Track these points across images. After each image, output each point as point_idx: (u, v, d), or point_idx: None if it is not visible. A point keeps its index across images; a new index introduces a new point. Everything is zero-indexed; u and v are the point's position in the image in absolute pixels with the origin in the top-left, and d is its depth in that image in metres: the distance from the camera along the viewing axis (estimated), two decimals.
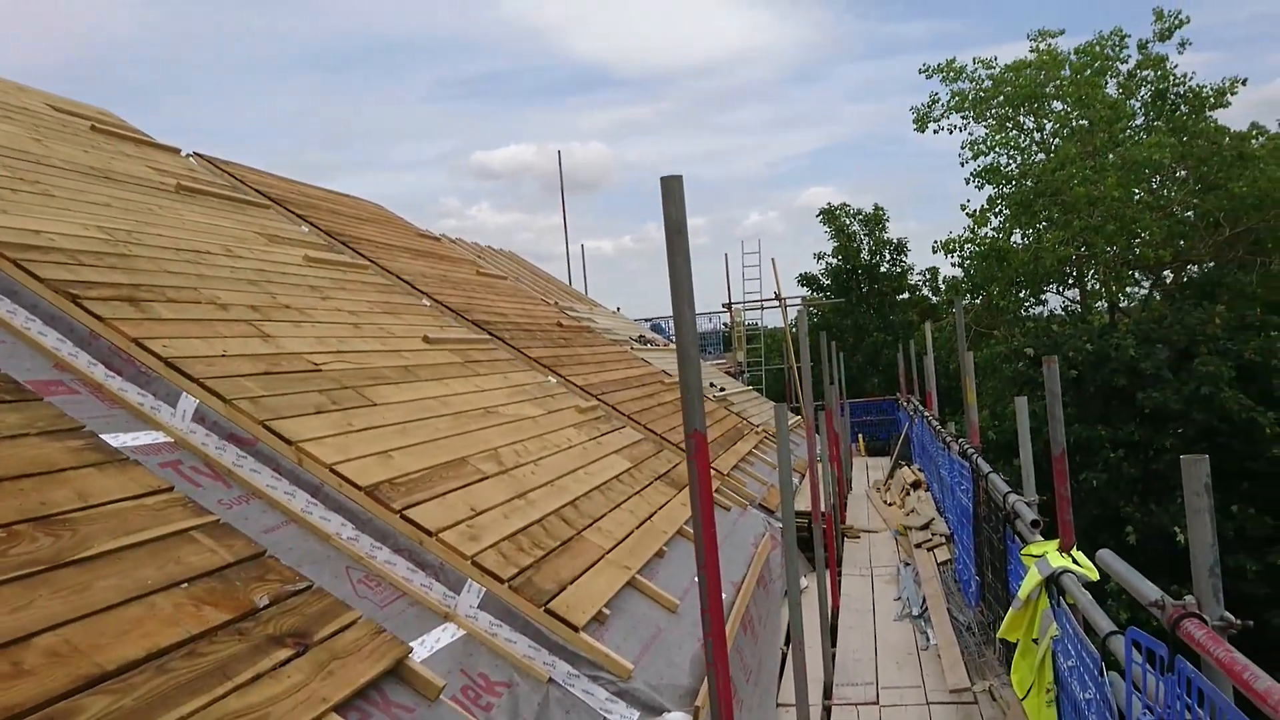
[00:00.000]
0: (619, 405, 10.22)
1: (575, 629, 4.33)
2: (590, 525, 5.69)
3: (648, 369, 14.12)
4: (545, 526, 5.26)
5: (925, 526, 9.76)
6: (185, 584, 2.77)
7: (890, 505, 12.39)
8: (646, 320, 24.30)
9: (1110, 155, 18.92)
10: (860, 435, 22.32)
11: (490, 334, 10.33)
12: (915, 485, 12.54)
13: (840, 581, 8.80)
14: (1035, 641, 3.92)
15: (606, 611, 4.72)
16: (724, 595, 6.09)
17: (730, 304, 23.81)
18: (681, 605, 5.45)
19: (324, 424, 4.93)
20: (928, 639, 6.78)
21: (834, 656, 6.74)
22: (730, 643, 5.62)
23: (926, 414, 12.85)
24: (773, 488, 10.93)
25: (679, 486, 7.74)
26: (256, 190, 10.74)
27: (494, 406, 7.01)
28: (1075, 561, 3.87)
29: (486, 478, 5.45)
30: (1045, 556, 3.91)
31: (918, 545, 9.34)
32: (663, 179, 2.65)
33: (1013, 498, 5.09)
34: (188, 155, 11.02)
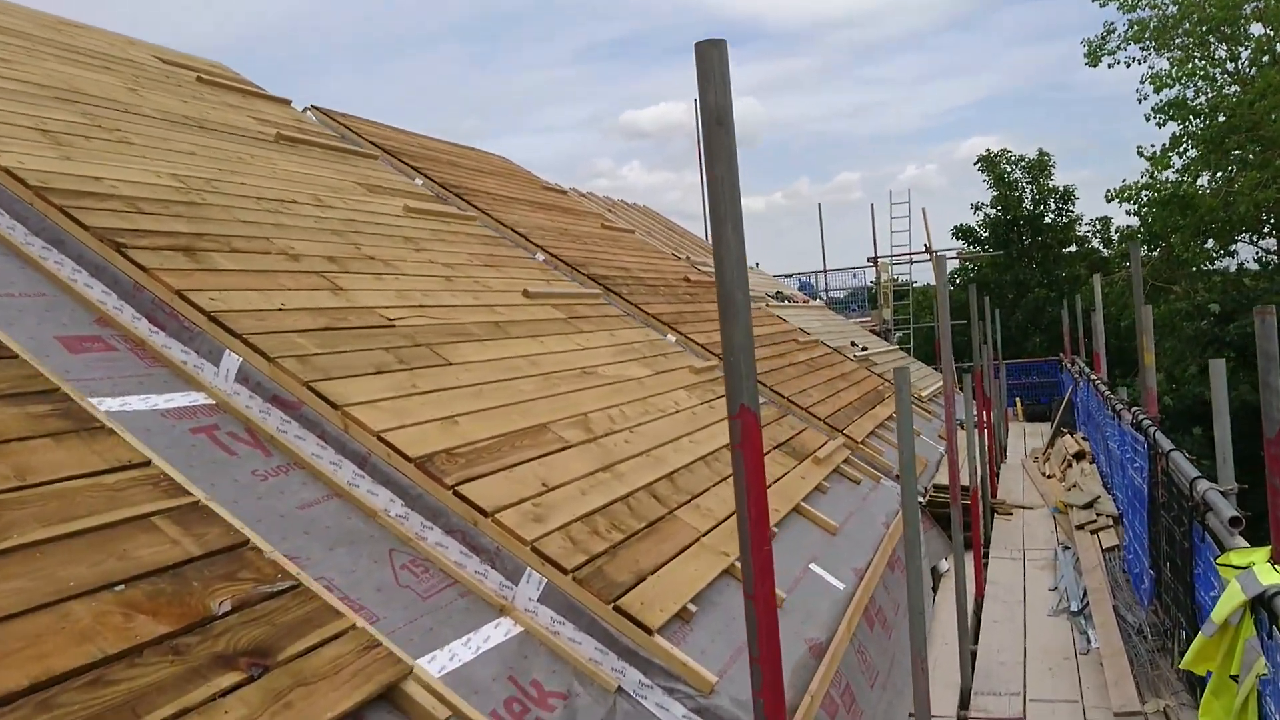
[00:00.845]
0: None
1: (649, 631, 3.67)
2: (687, 503, 5.01)
3: (781, 326, 13.27)
4: (631, 504, 4.61)
5: (1089, 505, 8.61)
6: (122, 586, 2.25)
7: (1049, 478, 11.17)
8: (788, 276, 23.28)
9: None
10: (1018, 399, 20.73)
11: (606, 288, 9.75)
12: (1079, 456, 11.25)
13: (986, 566, 7.84)
14: (1234, 679, 3.01)
15: (692, 608, 4.04)
16: (840, 585, 5.32)
17: (876, 258, 22.42)
18: (788, 600, 4.72)
19: (383, 385, 4.41)
20: (1089, 641, 5.80)
21: (974, 657, 5.86)
22: (846, 640, 4.85)
23: (1094, 377, 11.50)
24: (919, 457, 9.96)
25: (801, 456, 6.96)
26: (370, 142, 10.45)
27: (594, 366, 6.40)
28: None
29: (569, 447, 4.84)
30: (1251, 569, 2.98)
31: (1079, 526, 8.23)
32: (698, 46, 1.91)
33: (1204, 485, 4.10)
34: (305, 109, 10.85)
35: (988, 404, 11.37)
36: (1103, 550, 7.49)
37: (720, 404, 7.17)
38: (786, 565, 5.11)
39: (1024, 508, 9.83)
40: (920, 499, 8.88)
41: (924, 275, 26.66)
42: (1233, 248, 21.07)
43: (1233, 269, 22.98)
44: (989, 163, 28.88)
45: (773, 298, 16.34)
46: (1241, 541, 3.46)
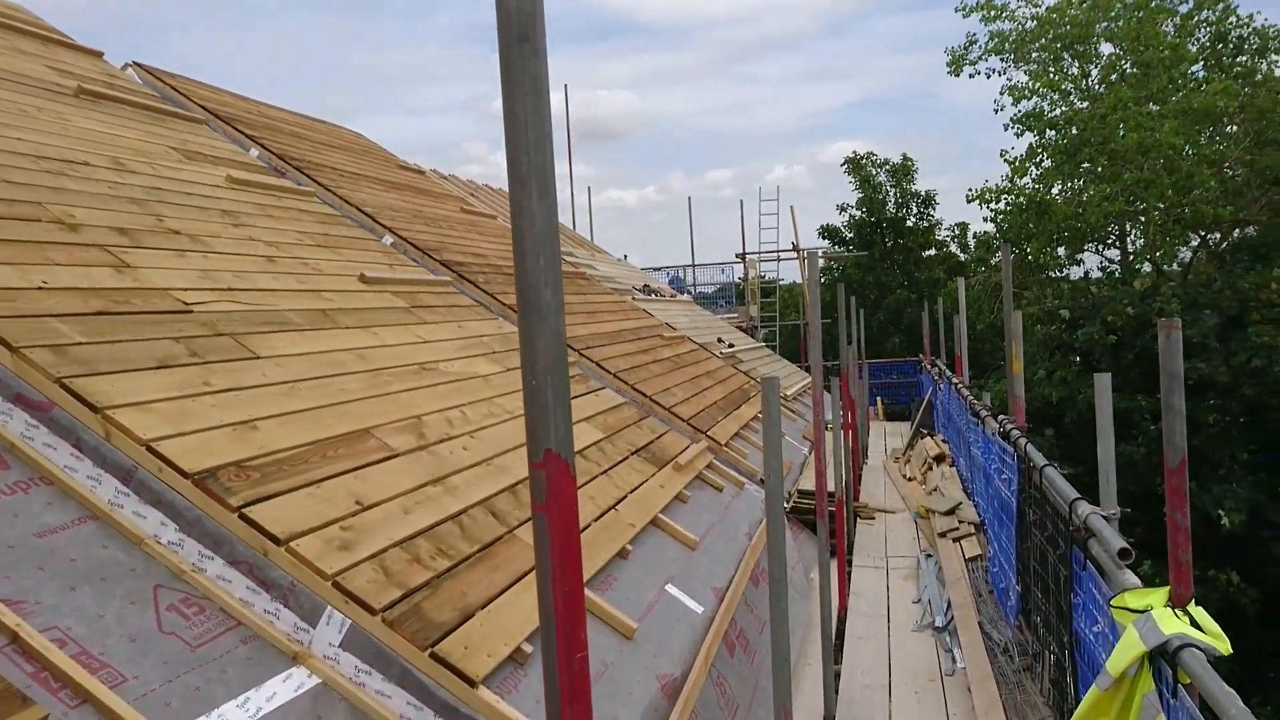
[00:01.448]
0: (604, 362, 8.97)
1: (473, 682, 3.10)
2: (530, 519, 4.45)
3: (647, 321, 12.84)
4: (464, 523, 4.02)
5: (951, 511, 8.50)
6: None
7: (910, 480, 11.12)
8: (656, 269, 22.94)
9: (1167, 101, 17.23)
10: (879, 398, 21.00)
11: (460, 275, 9.08)
12: (939, 459, 11.25)
13: (850, 575, 7.57)
14: None
15: (528, 648, 3.49)
16: (699, 609, 4.86)
17: (745, 254, 22.30)
18: (641, 628, 4.22)
19: (164, 383, 3.68)
20: (954, 660, 5.54)
21: (838, 678, 5.51)
22: (704, 673, 4.39)
23: (955, 380, 11.52)
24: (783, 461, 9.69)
25: (661, 462, 6.50)
26: (201, 105, 9.46)
27: (435, 362, 5.76)
28: (1196, 624, 2.60)
29: (394, 456, 4.21)
30: (1150, 614, 2.64)
31: (941, 534, 8.09)
32: None
33: (1085, 509, 3.81)
34: (125, 66, 9.74)
35: (852, 405, 11.22)
36: (965, 560, 7.33)
37: (579, 403, 6.64)
38: (641, 588, 4.62)
39: (886, 512, 9.69)
40: (784, 504, 8.59)
41: (790, 273, 26.83)
42: (1080, 256, 21.88)
43: (1077, 277, 23.97)
44: (855, 165, 29.32)
45: (640, 291, 15.92)
46: (1132, 578, 3.15)
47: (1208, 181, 16.59)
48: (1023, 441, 5.79)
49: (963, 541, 7.85)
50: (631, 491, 5.62)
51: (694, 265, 23.32)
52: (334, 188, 9.50)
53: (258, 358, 4.38)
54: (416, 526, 3.74)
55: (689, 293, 22.48)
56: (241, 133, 9.48)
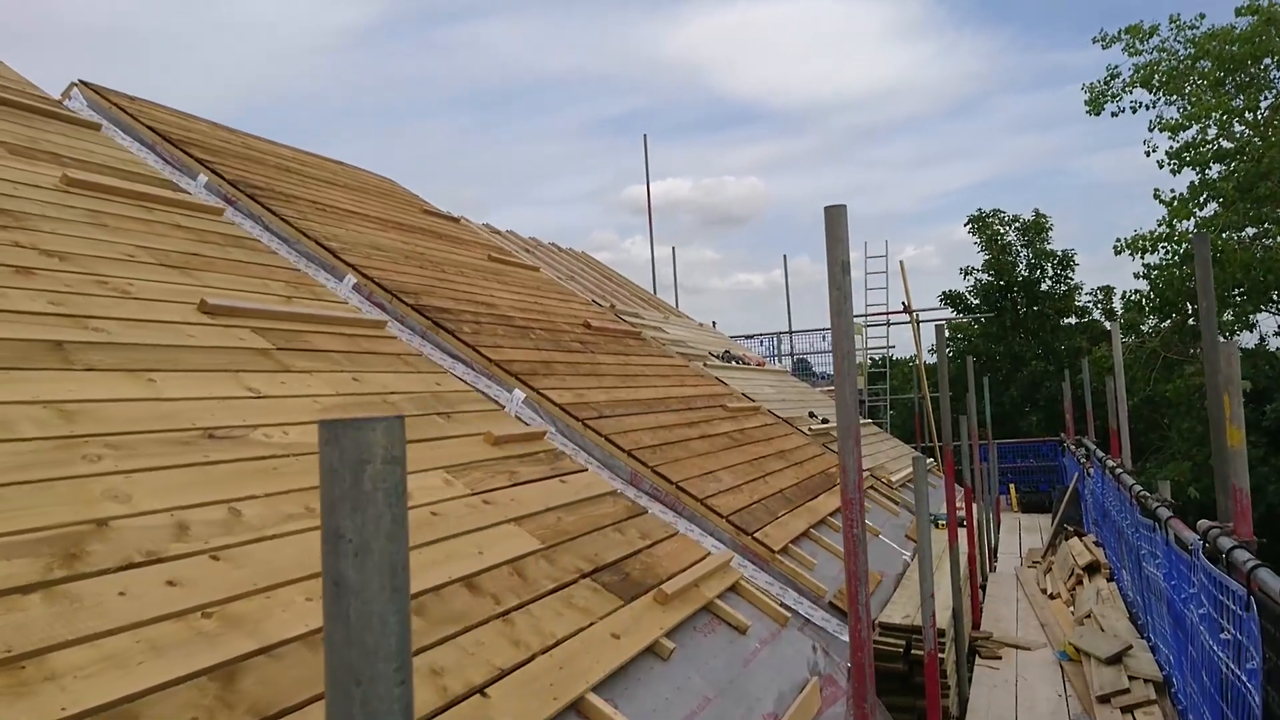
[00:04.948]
0: (615, 435, 6.68)
1: None
2: None
3: (712, 389, 10.49)
4: None
5: (1116, 659, 5.76)
6: None
7: (1053, 598, 8.29)
8: (748, 337, 20.52)
9: None
10: (1012, 485, 17.86)
11: (436, 323, 7.02)
12: (1091, 570, 8.39)
13: None
14: None
15: None
16: None
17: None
18: None
19: None
20: None
21: None
22: None
23: (1110, 463, 8.69)
24: (871, 573, 7.09)
25: (636, 589, 4.11)
26: (149, 127, 7.84)
27: (248, 427, 3.60)
28: None
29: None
30: None
31: (1103, 697, 5.36)
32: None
33: None
34: (72, 83, 8.25)
35: (968, 494, 8.53)
36: None
37: (519, 493, 4.35)
38: None
39: (1018, 647, 6.93)
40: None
41: (903, 341, 23.95)
42: (1255, 317, 18.43)
43: (1249, 343, 20.35)
44: (980, 223, 26.38)
45: (717, 356, 13.59)
46: None
47: None
48: (1252, 566, 3.18)
49: (1136, 712, 5.11)
50: (551, 647, 3.28)
51: (790, 332, 20.76)
52: (295, 219, 7.65)
53: None
54: None
55: (783, 361, 19.98)
56: (192, 156, 7.78)
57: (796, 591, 6.11)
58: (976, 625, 7.62)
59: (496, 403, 6.47)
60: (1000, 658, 6.79)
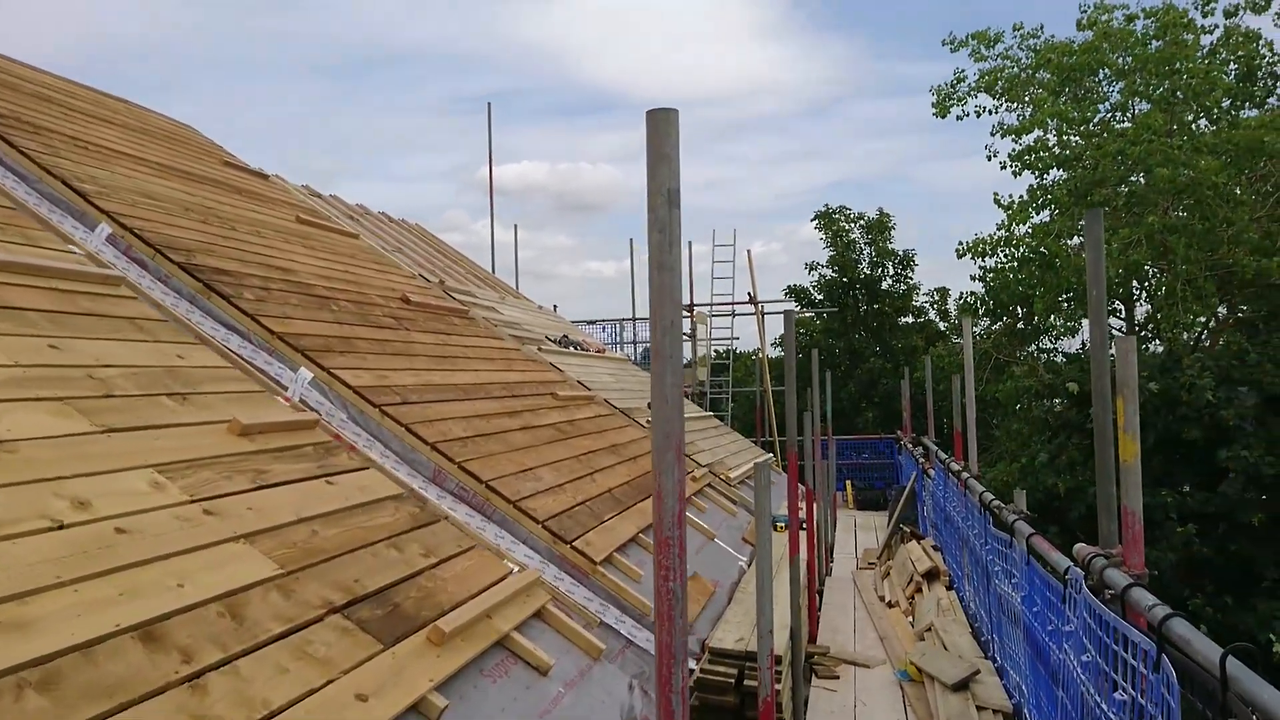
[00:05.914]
0: (418, 425, 5.74)
1: None
2: None
3: (543, 375, 9.64)
4: None
5: (962, 685, 5.27)
6: None
7: (893, 606, 7.87)
8: (591, 323, 19.77)
9: (1197, 135, 14.56)
10: (849, 481, 17.81)
11: (209, 286, 5.90)
12: (930, 577, 8.03)
13: None
14: None
15: None
16: None
17: (693, 306, 19.07)
18: None
19: None
20: None
21: None
22: None
23: (954, 465, 8.36)
24: (694, 580, 6.41)
25: (407, 627, 3.22)
26: None
27: None
28: None
29: None
30: None
31: None
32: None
33: None
34: None
35: (809, 495, 8.01)
36: None
37: (258, 500, 3.38)
38: None
39: (857, 664, 6.41)
40: (691, 668, 5.31)
41: (747, 333, 23.73)
42: (1078, 323, 18.99)
43: (1071, 348, 21.08)
44: (827, 219, 26.53)
45: (554, 341, 12.75)
46: None
47: (1249, 229, 13.77)
48: (1168, 616, 2.58)
49: None
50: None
51: (634, 319, 20.11)
52: (40, 154, 6.33)
53: None
54: None
55: (627, 350, 19.35)
56: None
57: (619, 609, 5.36)
58: (813, 637, 7.09)
59: (277, 383, 5.44)
60: (838, 676, 6.24)
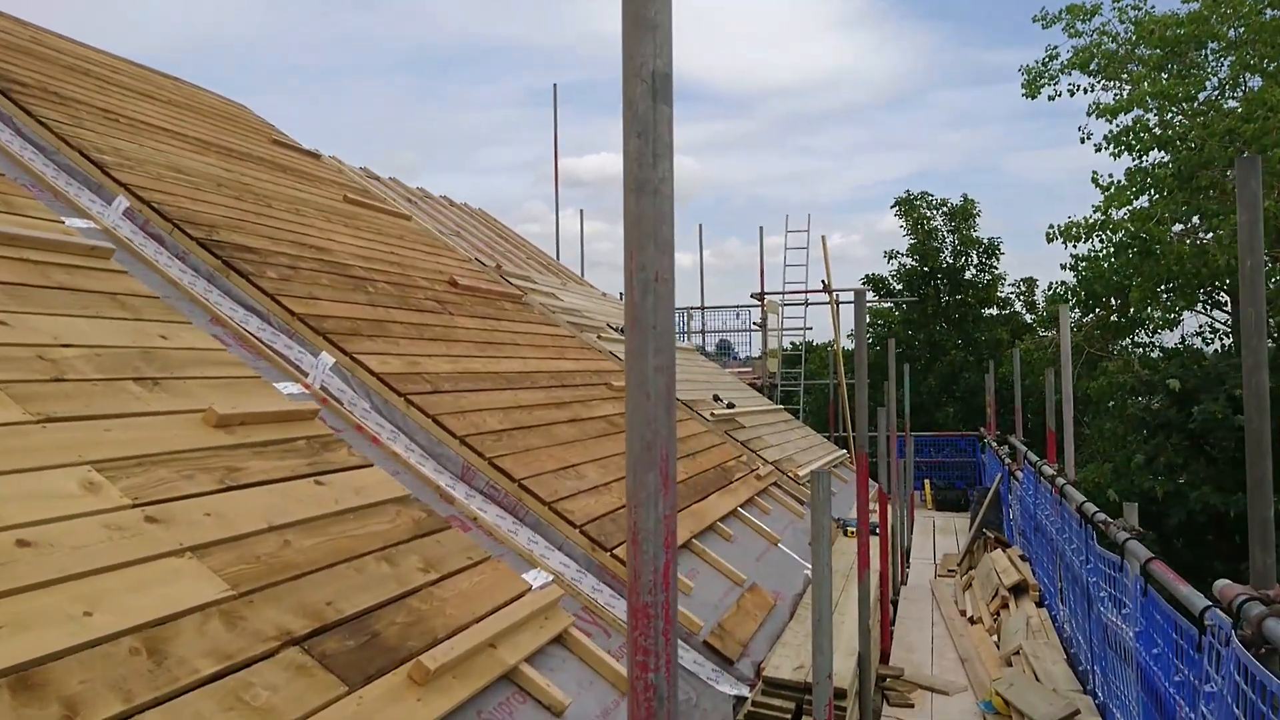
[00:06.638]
0: (448, 416, 5.24)
1: None
2: None
3: (599, 364, 9.09)
4: None
5: None
6: None
7: (975, 623, 7.13)
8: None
9: None
10: (927, 481, 16.92)
11: (227, 263, 5.49)
12: (1018, 591, 7.27)
13: None
14: None
15: None
16: None
17: (764, 294, 18.22)
18: None
19: None
20: None
21: None
22: None
23: (1047, 469, 7.55)
24: (753, 592, 5.78)
25: (387, 660, 2.68)
26: None
27: None
28: None
29: None
30: None
31: None
32: None
33: None
34: None
35: (883, 500, 7.31)
36: None
37: (210, 514, 2.88)
38: None
39: (935, 690, 5.72)
40: (744, 695, 4.67)
41: (821, 324, 22.86)
42: (1181, 314, 17.73)
43: (1171, 341, 19.75)
44: (908, 206, 25.45)
45: (616, 330, 12.19)
46: None
47: None
48: None
49: None
50: None
51: (703, 307, 19.39)
52: (61, 124, 5.99)
53: None
54: None
55: (697, 341, 18.68)
56: None
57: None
58: (885, 656, 6.40)
59: (297, 369, 5.00)
60: (913, 705, 5.56)
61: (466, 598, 3.26)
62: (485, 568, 3.58)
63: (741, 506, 7.58)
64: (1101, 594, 4.66)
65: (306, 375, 5.04)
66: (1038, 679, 5.35)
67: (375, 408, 5.19)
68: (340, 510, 3.27)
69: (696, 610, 4.98)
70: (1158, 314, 17.34)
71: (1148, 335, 19.83)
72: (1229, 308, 18.16)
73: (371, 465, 3.81)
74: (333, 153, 10.87)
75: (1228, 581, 2.83)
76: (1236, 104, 16.08)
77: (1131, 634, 3.96)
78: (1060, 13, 18.63)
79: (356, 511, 3.34)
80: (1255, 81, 15.89)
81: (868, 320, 25.85)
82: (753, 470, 8.93)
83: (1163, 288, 15.63)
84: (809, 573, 7.10)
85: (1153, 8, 17.45)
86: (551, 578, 4.39)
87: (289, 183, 8.28)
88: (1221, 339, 17.58)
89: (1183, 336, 19.51)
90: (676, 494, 1.25)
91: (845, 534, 7.69)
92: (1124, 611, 4.12)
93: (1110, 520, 4.64)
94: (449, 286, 8.11)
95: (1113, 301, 18.25)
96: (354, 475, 3.61)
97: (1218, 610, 2.82)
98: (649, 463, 1.20)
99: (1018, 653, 5.95)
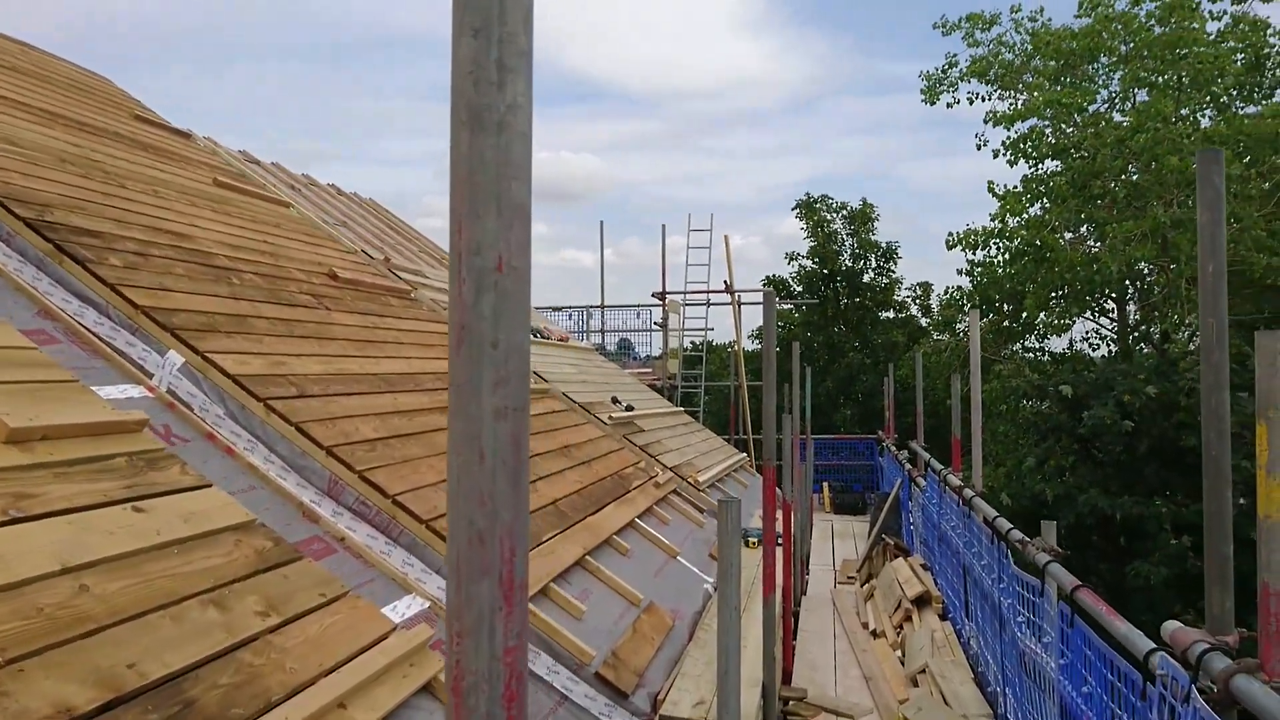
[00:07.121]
0: (313, 424, 4.70)
1: None
2: None
3: None
4: None
5: None
6: None
7: (878, 636, 6.90)
8: (557, 309, 18.65)
9: (1207, 122, 13.69)
10: (825, 483, 16.87)
11: (58, 246, 4.83)
12: (920, 602, 7.07)
13: None
14: None
15: None
16: None
17: (664, 293, 17.92)
18: None
19: None
20: None
21: None
22: None
23: (953, 479, 7.37)
24: (650, 613, 5.39)
25: None
26: None
27: None
28: None
29: None
30: None
31: None
32: None
33: None
34: None
35: (787, 508, 7.03)
36: None
37: (32, 535, 2.32)
38: None
39: (839, 714, 5.43)
40: None
41: (722, 324, 22.75)
42: (1072, 320, 18.15)
43: (1059, 348, 20.25)
44: (808, 209, 25.53)
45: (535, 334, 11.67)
46: None
47: (1257, 226, 12.91)
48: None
49: None
50: None
51: (602, 306, 19.03)
52: None
53: None
54: None
55: (597, 340, 18.29)
56: None
57: (552, 655, 4.36)
58: (788, 676, 6.10)
59: (141, 369, 4.41)
60: None
61: (315, 645, 2.77)
62: (341, 606, 3.09)
63: (639, 517, 7.20)
64: (1019, 619, 4.43)
65: (151, 377, 4.46)
66: (945, 701, 5.13)
67: (231, 414, 4.61)
68: (162, 543, 2.74)
69: (588, 637, 4.56)
70: (1049, 320, 17.70)
71: (1038, 340, 20.28)
72: (1115, 314, 18.69)
73: (210, 486, 3.27)
74: (221, 135, 10.06)
75: (1179, 625, 2.56)
76: (1124, 117, 16.52)
77: (1054, 665, 3.72)
78: (960, 21, 18.88)
79: (184, 544, 2.81)
80: (1143, 95, 16.33)
81: (771, 295, 25.85)
82: (651, 478, 8.57)
83: (1055, 294, 15.90)
84: (709, 587, 6.76)
85: (1049, 20, 17.80)
86: (427, 604, 3.93)
87: (149, 162, 7.54)
88: (1109, 345, 18.05)
89: (1071, 342, 20.03)
90: (527, 613, 0.80)
91: (748, 545, 7.39)
92: (1044, 641, 3.89)
93: (1028, 539, 4.42)
94: (328, 279, 7.50)
95: (1005, 307, 18.57)
96: (185, 499, 3.07)
97: (1169, 658, 2.56)
98: (482, 566, 0.75)
99: (923, 671, 5.73)
